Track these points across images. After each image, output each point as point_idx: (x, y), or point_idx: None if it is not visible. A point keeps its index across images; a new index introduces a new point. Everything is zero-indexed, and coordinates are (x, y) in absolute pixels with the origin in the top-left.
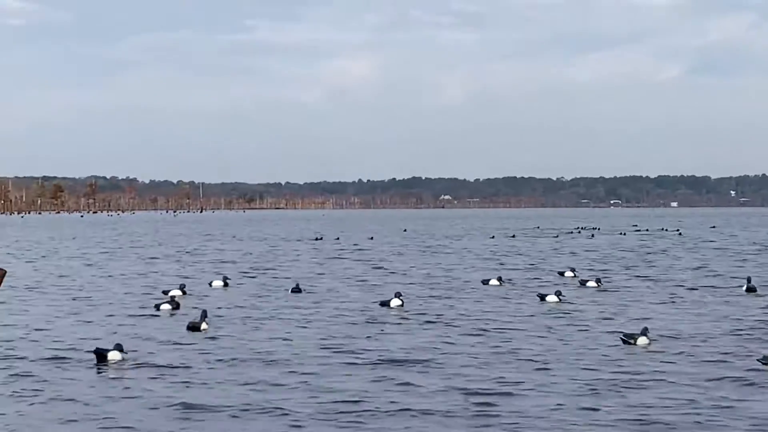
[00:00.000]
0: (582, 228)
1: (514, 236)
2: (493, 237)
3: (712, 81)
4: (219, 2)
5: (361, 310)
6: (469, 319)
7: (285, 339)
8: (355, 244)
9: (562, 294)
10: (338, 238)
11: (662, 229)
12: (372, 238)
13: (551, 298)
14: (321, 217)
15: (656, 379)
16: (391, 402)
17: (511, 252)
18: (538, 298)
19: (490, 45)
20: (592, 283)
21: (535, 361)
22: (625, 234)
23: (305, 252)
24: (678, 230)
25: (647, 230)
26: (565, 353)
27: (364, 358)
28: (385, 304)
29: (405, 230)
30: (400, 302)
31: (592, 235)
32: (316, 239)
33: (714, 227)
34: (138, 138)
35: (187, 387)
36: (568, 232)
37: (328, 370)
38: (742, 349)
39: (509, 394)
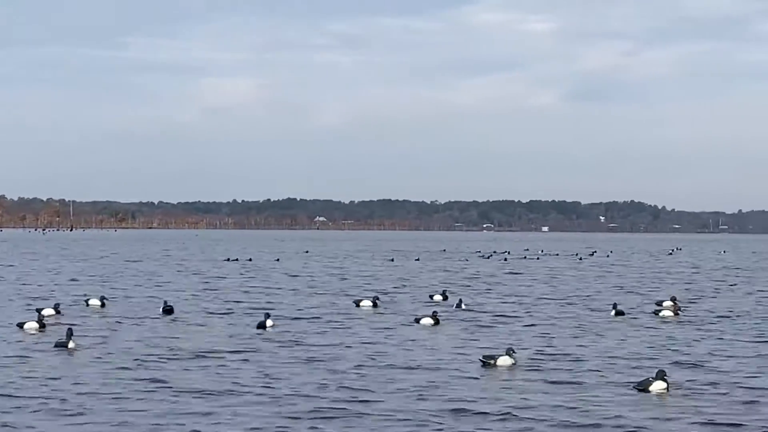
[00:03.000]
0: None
1: (418, 259)
2: (392, 259)
3: (586, 107)
4: (93, 18)
5: (230, 336)
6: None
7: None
8: (273, 262)
9: (438, 314)
10: (251, 259)
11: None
12: (278, 260)
13: (426, 320)
14: (195, 237)
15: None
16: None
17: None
18: (414, 320)
19: (370, 68)
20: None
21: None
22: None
23: (232, 272)
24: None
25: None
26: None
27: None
28: (261, 325)
29: (307, 251)
30: (272, 323)
31: (505, 259)
32: (228, 260)
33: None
34: (6, 154)
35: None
36: (485, 256)
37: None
38: (611, 373)
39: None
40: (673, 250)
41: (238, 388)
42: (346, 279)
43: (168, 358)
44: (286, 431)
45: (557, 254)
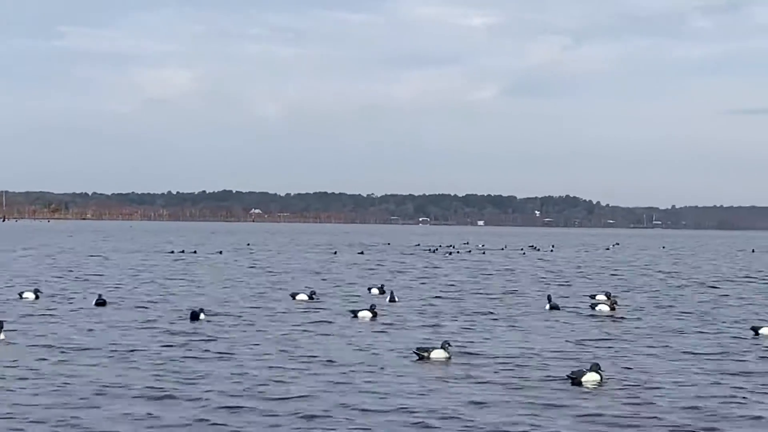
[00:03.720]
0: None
1: (362, 252)
2: (335, 252)
3: (523, 103)
4: (28, 7)
5: (170, 322)
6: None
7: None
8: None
9: (376, 308)
10: (195, 251)
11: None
12: (221, 252)
13: (364, 314)
14: (129, 229)
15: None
16: None
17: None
18: (350, 314)
19: (307, 60)
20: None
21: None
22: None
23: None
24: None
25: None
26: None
27: None
28: (194, 316)
29: (249, 244)
30: (204, 316)
31: (450, 253)
32: (172, 252)
33: (614, 246)
34: None
35: None
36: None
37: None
38: (543, 366)
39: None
40: (610, 246)
41: (137, 383)
42: (286, 272)
43: (82, 350)
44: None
45: (502, 248)
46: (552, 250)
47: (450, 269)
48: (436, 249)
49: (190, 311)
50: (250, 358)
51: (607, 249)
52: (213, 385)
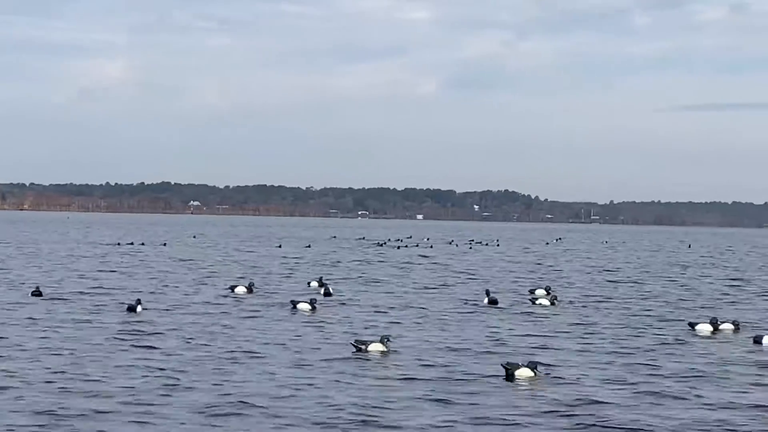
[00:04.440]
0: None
1: (309, 246)
2: (280, 246)
3: (464, 96)
4: None
5: (109, 313)
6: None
7: None
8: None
9: (316, 302)
10: (143, 243)
11: (484, 243)
12: (165, 245)
13: (303, 305)
14: (66, 220)
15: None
16: None
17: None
18: (290, 305)
19: (249, 52)
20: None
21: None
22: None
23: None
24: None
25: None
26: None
27: None
28: (131, 308)
29: (194, 236)
30: (141, 308)
31: (398, 247)
32: (118, 244)
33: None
34: None
35: None
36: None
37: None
38: (478, 360)
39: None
40: (550, 242)
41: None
42: (226, 265)
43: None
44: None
45: (450, 242)
46: (498, 245)
47: (397, 262)
48: (384, 242)
49: (128, 304)
50: (177, 350)
51: (547, 244)
52: (131, 377)
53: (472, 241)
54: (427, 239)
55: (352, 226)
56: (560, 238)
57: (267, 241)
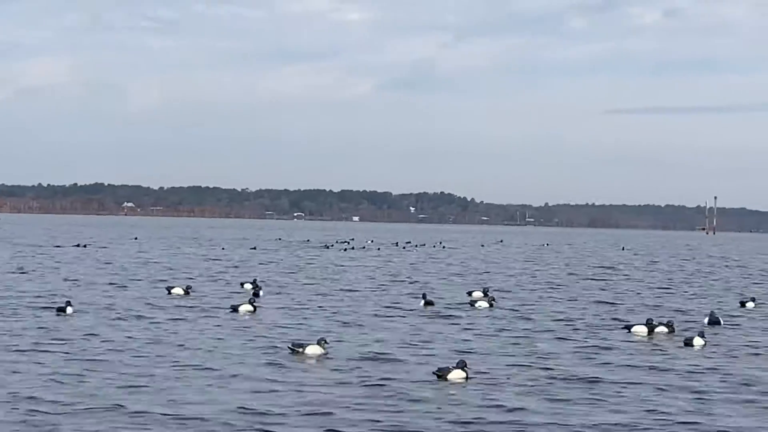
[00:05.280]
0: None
1: (254, 248)
2: (223, 248)
3: (400, 98)
4: None
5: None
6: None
7: None
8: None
9: (254, 302)
10: (86, 246)
11: (433, 245)
12: (136, 238)
13: (244, 307)
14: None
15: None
16: None
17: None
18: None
19: (187, 53)
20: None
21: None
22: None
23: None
24: (443, 245)
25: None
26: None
27: None
28: (61, 309)
29: (136, 238)
30: (71, 309)
31: (345, 249)
32: (78, 245)
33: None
34: None
35: None
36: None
37: None
38: (411, 362)
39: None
40: (484, 245)
41: None
42: (168, 268)
43: None
44: None
45: (395, 244)
46: (444, 247)
47: (349, 266)
48: (332, 245)
49: (59, 306)
50: (104, 353)
51: (482, 246)
52: (44, 382)
53: (409, 242)
54: (371, 241)
55: (286, 228)
56: (501, 240)
57: (208, 243)
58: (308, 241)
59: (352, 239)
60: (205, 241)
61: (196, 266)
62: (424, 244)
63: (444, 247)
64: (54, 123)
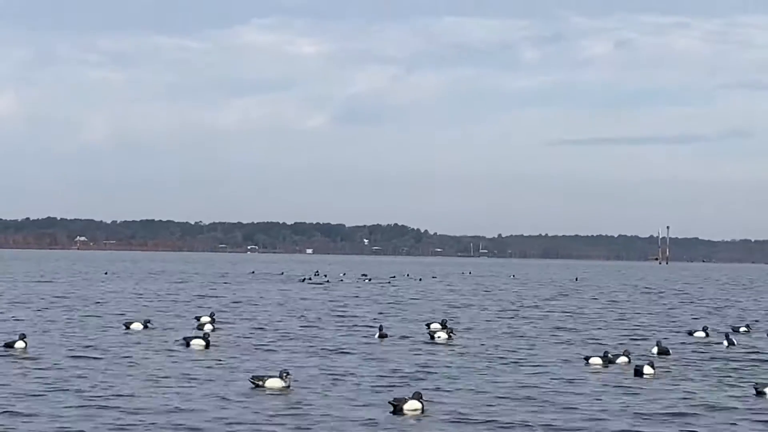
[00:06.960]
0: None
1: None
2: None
3: (353, 130)
4: None
5: None
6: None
7: None
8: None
9: (209, 336)
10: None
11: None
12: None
13: (196, 342)
14: None
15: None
16: None
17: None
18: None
19: (137, 86)
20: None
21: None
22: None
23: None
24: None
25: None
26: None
27: None
28: (9, 345)
29: (106, 273)
30: (24, 344)
31: (303, 279)
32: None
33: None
34: None
35: None
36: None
37: None
38: (368, 392)
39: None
40: (430, 277)
41: None
42: (126, 301)
43: None
44: None
45: (364, 275)
46: (420, 280)
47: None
48: (309, 278)
49: (10, 340)
50: (54, 391)
51: (434, 277)
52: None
53: (394, 277)
54: (344, 274)
55: (237, 261)
56: (470, 272)
57: (170, 277)
58: (282, 273)
59: (317, 273)
60: (166, 273)
61: (161, 300)
62: (401, 275)
63: (420, 279)
64: (4, 157)
